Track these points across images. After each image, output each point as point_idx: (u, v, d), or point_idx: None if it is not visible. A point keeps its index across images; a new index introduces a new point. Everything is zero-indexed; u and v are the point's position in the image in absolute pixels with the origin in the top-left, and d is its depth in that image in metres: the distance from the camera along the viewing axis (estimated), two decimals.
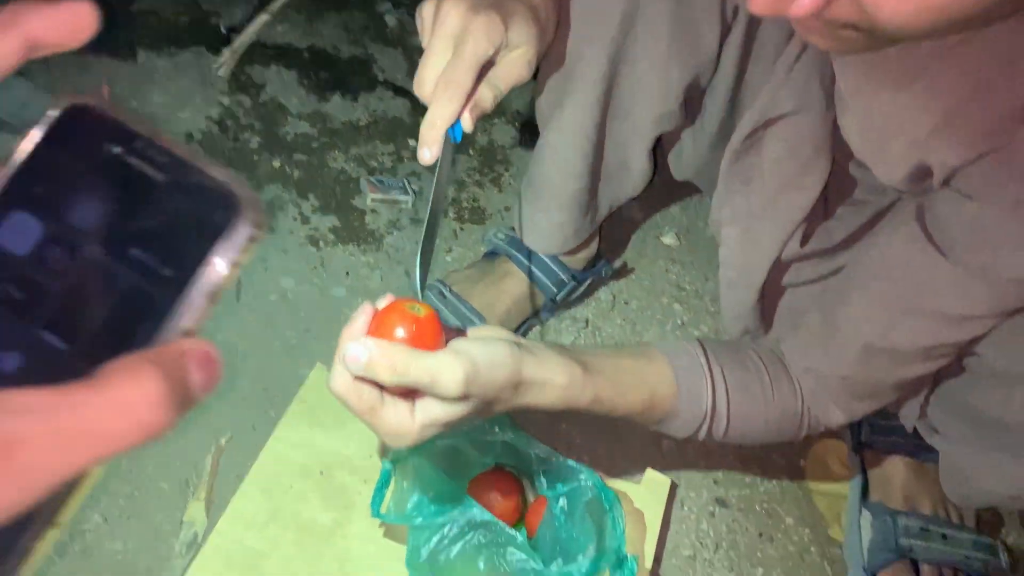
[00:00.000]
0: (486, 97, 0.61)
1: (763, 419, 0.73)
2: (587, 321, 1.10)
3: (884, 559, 0.87)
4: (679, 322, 1.14)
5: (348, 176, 1.20)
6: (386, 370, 0.52)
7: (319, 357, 0.98)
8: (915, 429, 0.82)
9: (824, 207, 0.78)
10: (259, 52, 1.32)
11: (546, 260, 1.00)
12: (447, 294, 0.99)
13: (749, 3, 0.44)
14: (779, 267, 0.79)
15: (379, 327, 0.55)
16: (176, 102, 1.22)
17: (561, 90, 0.80)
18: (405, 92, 1.32)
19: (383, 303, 0.58)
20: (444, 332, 0.57)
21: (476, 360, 0.55)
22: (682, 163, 0.93)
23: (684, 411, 0.70)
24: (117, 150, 0.25)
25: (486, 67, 0.61)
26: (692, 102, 0.82)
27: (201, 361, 0.23)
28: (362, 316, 0.56)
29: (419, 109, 1.31)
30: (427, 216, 0.62)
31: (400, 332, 0.54)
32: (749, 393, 0.72)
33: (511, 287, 1.00)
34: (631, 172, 0.91)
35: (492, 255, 1.05)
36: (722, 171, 0.78)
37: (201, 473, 0.85)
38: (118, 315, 0.24)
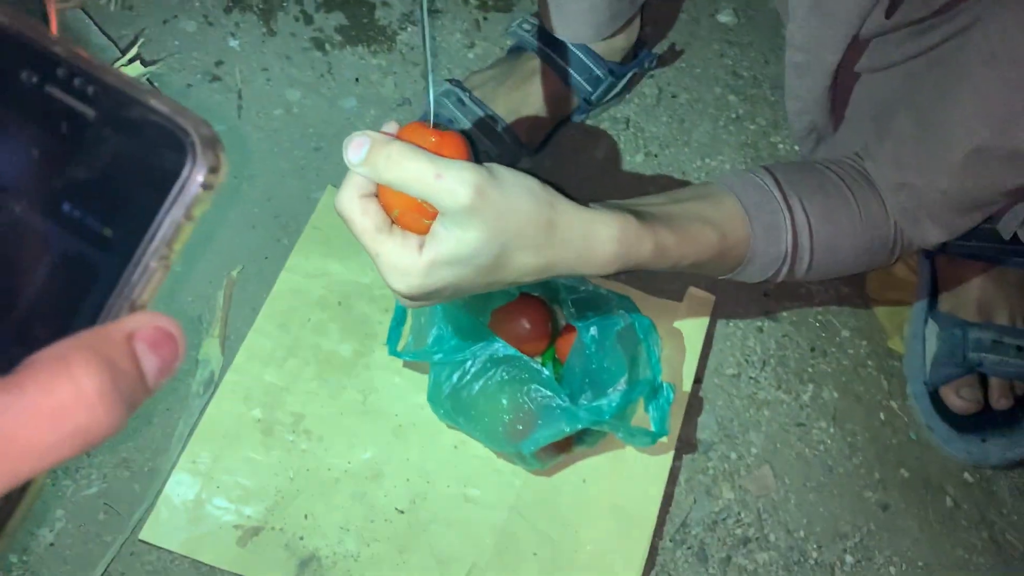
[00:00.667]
0: None
1: (851, 250, 0.63)
2: (628, 121, 0.99)
3: (949, 373, 0.80)
4: (734, 115, 1.01)
5: None
6: (384, 159, 0.46)
7: (331, 179, 0.90)
8: (1014, 236, 0.71)
9: None
10: None
11: (579, 53, 0.87)
12: (466, 100, 0.88)
13: None
14: (857, 46, 0.65)
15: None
16: None
17: None
18: None
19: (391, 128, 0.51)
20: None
21: (495, 171, 0.47)
22: None
23: (762, 253, 0.61)
24: (35, 80, 0.20)
25: None
26: None
27: (154, 341, 0.20)
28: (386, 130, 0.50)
29: None
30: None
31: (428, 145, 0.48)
32: (834, 223, 0.62)
33: (539, 87, 0.89)
34: None
35: (518, 50, 0.92)
36: None
37: (214, 309, 0.82)
38: (51, 288, 0.20)
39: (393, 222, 0.49)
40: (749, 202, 0.60)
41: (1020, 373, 0.78)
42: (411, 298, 0.50)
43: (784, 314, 0.87)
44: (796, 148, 0.99)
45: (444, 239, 0.47)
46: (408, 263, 0.48)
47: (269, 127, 0.93)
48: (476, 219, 0.46)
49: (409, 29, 1.02)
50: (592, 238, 0.50)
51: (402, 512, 0.73)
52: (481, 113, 0.87)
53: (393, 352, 0.72)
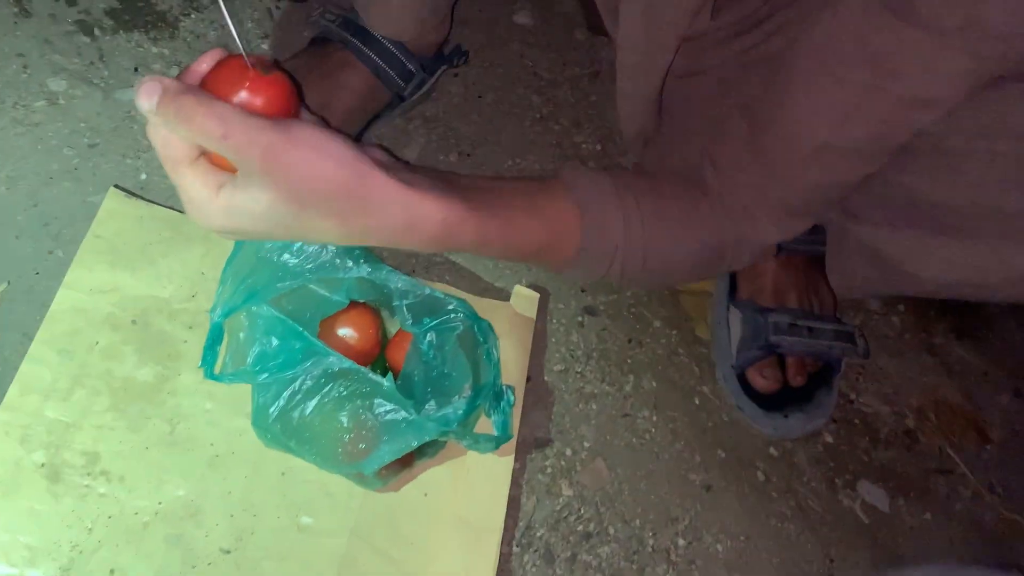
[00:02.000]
0: None
1: (684, 250, 0.64)
2: (437, 119, 0.96)
3: (752, 356, 0.86)
4: (538, 115, 1.02)
5: None
6: (174, 111, 0.44)
7: (111, 179, 0.79)
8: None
9: None
10: None
11: (389, 46, 0.83)
12: None
13: None
14: (686, 48, 0.67)
15: (213, 83, 0.47)
16: None
17: None
18: None
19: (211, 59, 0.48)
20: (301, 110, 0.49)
21: (296, 133, 0.45)
22: None
23: (592, 248, 0.60)
24: None
25: None
26: None
27: None
28: (202, 63, 0.48)
29: None
30: None
31: (239, 94, 0.46)
32: (666, 221, 0.63)
33: (350, 80, 0.84)
34: None
35: (322, 41, 0.86)
36: None
37: None
38: None
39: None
40: (582, 196, 0.60)
41: (811, 352, 0.86)
42: (216, 232, 0.49)
43: (601, 307, 0.90)
44: (598, 147, 1.02)
45: (238, 192, 0.46)
46: (205, 202, 0.47)
47: (29, 121, 0.80)
48: (267, 180, 0.45)
49: (193, 16, 0.92)
50: (412, 217, 0.48)
51: (228, 552, 0.65)
52: None
53: (210, 376, 0.64)
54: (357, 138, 0.87)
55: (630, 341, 0.89)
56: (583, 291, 0.90)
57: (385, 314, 0.74)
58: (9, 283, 0.72)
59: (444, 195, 0.50)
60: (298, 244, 0.65)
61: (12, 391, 0.66)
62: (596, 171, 0.63)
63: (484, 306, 0.80)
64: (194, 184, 0.47)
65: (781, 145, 0.62)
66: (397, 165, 0.51)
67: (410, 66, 0.85)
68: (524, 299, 0.82)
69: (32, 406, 0.66)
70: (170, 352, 0.71)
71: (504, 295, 0.84)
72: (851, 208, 0.71)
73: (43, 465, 0.65)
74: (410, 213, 0.48)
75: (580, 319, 0.88)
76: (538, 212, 0.58)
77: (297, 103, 0.48)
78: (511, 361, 0.77)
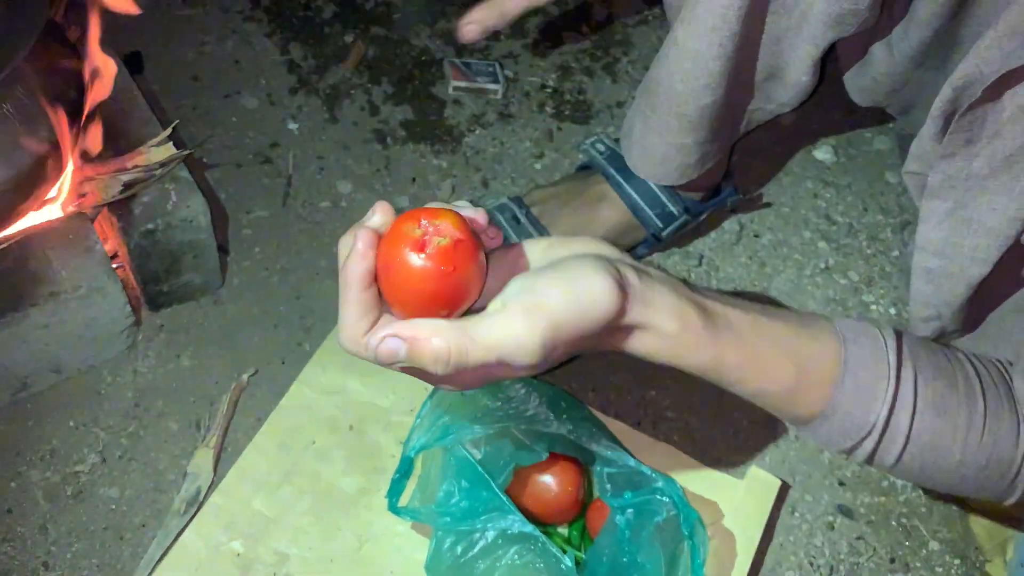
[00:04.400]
0: None
1: (958, 460, 0.52)
2: (701, 257, 0.89)
3: None
4: (823, 265, 0.90)
5: (431, 57, 1.00)
6: (436, 362, 0.41)
7: None
8: None
9: None
10: None
11: (652, 186, 0.78)
12: (522, 218, 0.79)
13: None
14: (1014, 254, 0.55)
15: (387, 262, 0.41)
16: None
17: None
18: None
19: (378, 219, 0.43)
20: (480, 248, 0.42)
21: (557, 317, 0.41)
22: (867, 83, 0.69)
23: (843, 413, 0.51)
24: None
25: None
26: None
27: None
28: (363, 246, 0.42)
29: None
30: None
31: (415, 270, 0.40)
32: (947, 418, 0.51)
33: (605, 215, 0.80)
34: (787, 85, 0.69)
35: (587, 169, 0.84)
36: (928, 124, 0.54)
37: (215, 414, 0.73)
38: None
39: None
40: (853, 351, 0.50)
41: None
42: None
43: (862, 510, 0.74)
44: (892, 312, 0.88)
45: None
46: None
47: (313, 219, 0.87)
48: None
49: (477, 131, 0.95)
50: (648, 331, 0.45)
51: None
52: (535, 233, 0.79)
53: (393, 509, 0.61)
54: None
55: (893, 561, 0.72)
56: (841, 484, 0.75)
57: (591, 473, 0.67)
58: (257, 371, 0.77)
59: (681, 307, 0.46)
60: (503, 386, 0.61)
61: (231, 476, 0.70)
62: (881, 327, 0.53)
63: (708, 483, 0.70)
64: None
65: None
66: (637, 267, 0.46)
67: (672, 208, 0.79)
68: (761, 484, 0.70)
69: (244, 494, 0.69)
70: (376, 465, 0.71)
71: (738, 472, 0.73)
72: None
73: (239, 555, 0.67)
74: (646, 326, 0.45)
75: (831, 519, 0.74)
76: (792, 351, 0.50)
77: (474, 246, 0.42)
78: (726, 555, 0.66)
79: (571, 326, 0.42)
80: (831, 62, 0.74)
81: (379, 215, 0.43)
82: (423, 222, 0.41)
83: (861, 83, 0.70)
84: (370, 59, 0.99)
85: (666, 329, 0.45)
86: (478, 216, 0.45)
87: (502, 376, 0.44)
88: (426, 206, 0.43)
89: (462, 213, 0.43)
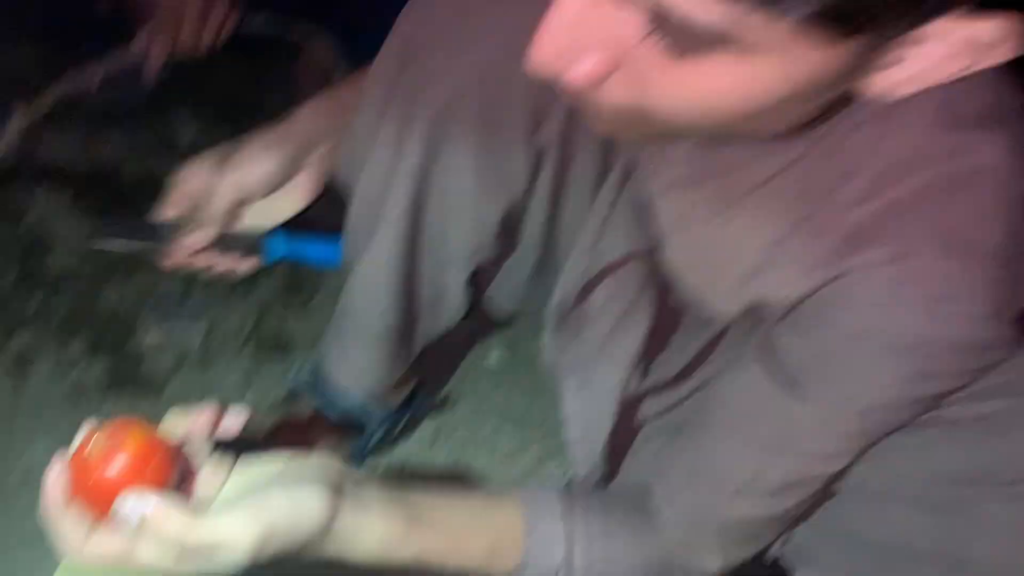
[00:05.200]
0: None
1: (634, 568, 0.65)
2: (406, 461, 0.99)
3: None
4: (508, 449, 1.05)
5: (127, 310, 1.05)
6: (154, 546, 0.47)
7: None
8: (774, 562, 0.76)
9: (657, 341, 0.73)
10: (24, 172, 1.16)
11: (355, 401, 0.89)
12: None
13: (535, 60, 0.43)
14: (626, 407, 0.73)
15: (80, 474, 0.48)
16: None
17: (370, 221, 0.74)
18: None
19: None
20: (177, 457, 0.49)
21: (274, 520, 0.48)
22: (503, 296, 0.87)
23: (534, 562, 0.61)
24: None
25: None
26: (508, 233, 0.77)
27: None
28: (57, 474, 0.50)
29: None
30: None
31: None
32: (614, 542, 0.64)
33: (318, 434, 0.89)
34: (447, 305, 0.84)
35: (294, 396, 0.93)
36: (549, 325, 0.72)
37: None
38: None
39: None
40: (530, 508, 0.62)
41: None
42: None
43: None
44: (571, 474, 1.03)
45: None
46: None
47: (7, 488, 0.84)
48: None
49: (181, 375, 1.00)
50: (358, 536, 0.52)
51: None
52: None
53: None
54: None
55: None
56: None
57: None
58: None
59: (389, 515, 0.54)
60: None
61: None
62: (550, 489, 0.66)
63: None
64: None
65: (711, 482, 0.64)
66: (353, 481, 0.54)
67: (375, 418, 0.90)
68: None
69: None
70: None
71: None
72: (804, 552, 0.71)
73: None
74: (356, 531, 0.52)
75: None
76: (484, 524, 0.61)
77: (166, 453, 0.49)
78: None
79: (284, 529, 0.49)
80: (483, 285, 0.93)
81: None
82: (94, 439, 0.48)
83: (497, 296, 0.89)
84: (59, 319, 1.01)
85: (374, 531, 0.53)
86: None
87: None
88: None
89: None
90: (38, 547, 0.80)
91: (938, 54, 0.41)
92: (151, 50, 1.05)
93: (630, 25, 0.41)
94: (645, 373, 0.71)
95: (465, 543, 0.59)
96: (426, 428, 1.03)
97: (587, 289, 0.70)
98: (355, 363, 0.87)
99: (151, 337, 1.02)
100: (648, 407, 0.74)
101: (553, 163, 0.69)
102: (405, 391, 0.94)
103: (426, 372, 0.97)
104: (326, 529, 0.51)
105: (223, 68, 1.41)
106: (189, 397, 0.98)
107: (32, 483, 0.84)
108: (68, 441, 0.88)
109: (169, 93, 1.32)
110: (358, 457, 0.92)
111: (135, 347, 1.01)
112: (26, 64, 1.31)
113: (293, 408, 0.91)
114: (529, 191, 0.71)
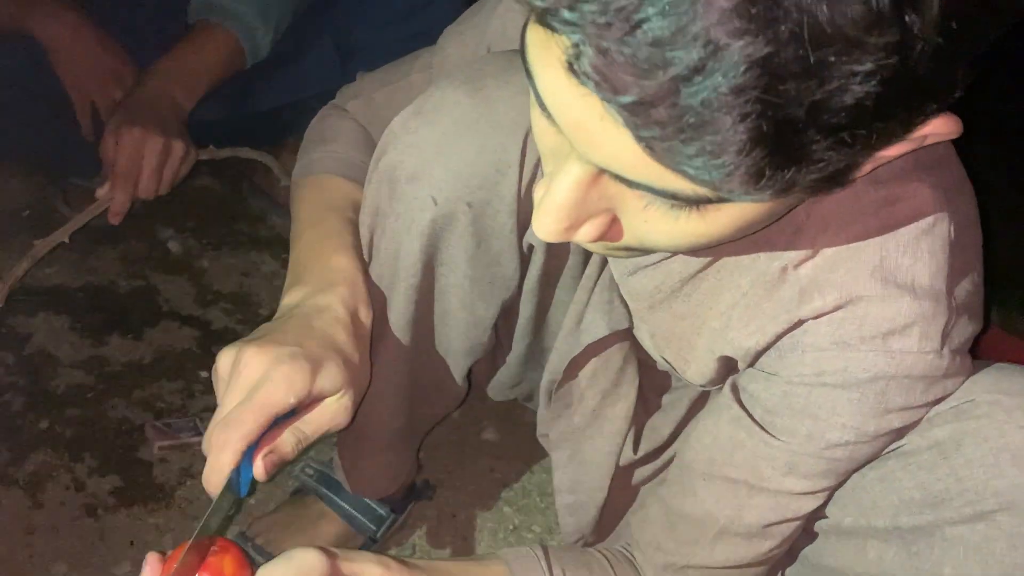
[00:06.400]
0: (287, 441, 0.59)
1: None
2: (414, 547, 1.02)
3: None
4: (511, 526, 1.08)
5: (131, 424, 1.09)
6: None
7: None
8: None
9: (645, 406, 0.79)
10: (23, 299, 1.21)
11: (362, 497, 0.93)
12: (250, 550, 0.89)
13: (539, 232, 0.48)
14: (620, 476, 0.78)
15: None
16: None
17: (376, 336, 0.77)
18: (193, 320, 1.25)
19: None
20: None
21: None
22: (497, 385, 0.93)
23: None
24: None
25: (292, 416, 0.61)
26: (500, 328, 0.82)
27: None
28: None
29: (210, 337, 1.24)
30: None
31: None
32: None
33: (325, 530, 0.92)
34: (447, 394, 0.89)
35: (300, 493, 0.96)
36: (541, 401, 0.78)
37: None
38: None
39: None
40: (515, 567, 0.68)
41: None
42: None
43: None
44: None
45: None
46: None
47: None
48: None
49: (188, 483, 1.03)
50: None
51: None
52: (264, 562, 0.88)
53: None
54: None
55: None
56: None
57: None
58: None
59: (383, 563, 0.62)
60: None
61: None
62: (536, 547, 0.71)
63: None
64: None
65: (690, 527, 0.68)
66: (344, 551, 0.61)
67: (380, 511, 0.94)
68: None
69: None
70: None
71: None
72: None
73: None
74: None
75: None
76: None
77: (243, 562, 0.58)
78: None
79: None
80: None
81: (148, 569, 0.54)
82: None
83: (493, 385, 0.94)
84: (69, 439, 1.05)
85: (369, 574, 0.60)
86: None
87: None
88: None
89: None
90: None
91: (889, 155, 0.44)
92: (115, 198, 1.10)
93: (631, 196, 0.45)
94: (637, 442, 0.76)
95: None
96: (430, 510, 1.06)
97: (573, 367, 0.75)
98: (366, 471, 0.91)
99: (158, 447, 1.05)
100: (642, 473, 0.79)
101: (538, 263, 0.74)
102: (409, 479, 0.98)
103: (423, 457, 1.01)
104: None
105: (202, 176, 1.49)
106: (199, 499, 1.02)
107: None
108: (87, 560, 0.93)
109: (153, 211, 1.39)
110: (367, 548, 0.95)
111: (145, 458, 1.05)
112: (19, 194, 1.38)
113: (301, 502, 0.94)
114: (519, 287, 0.76)
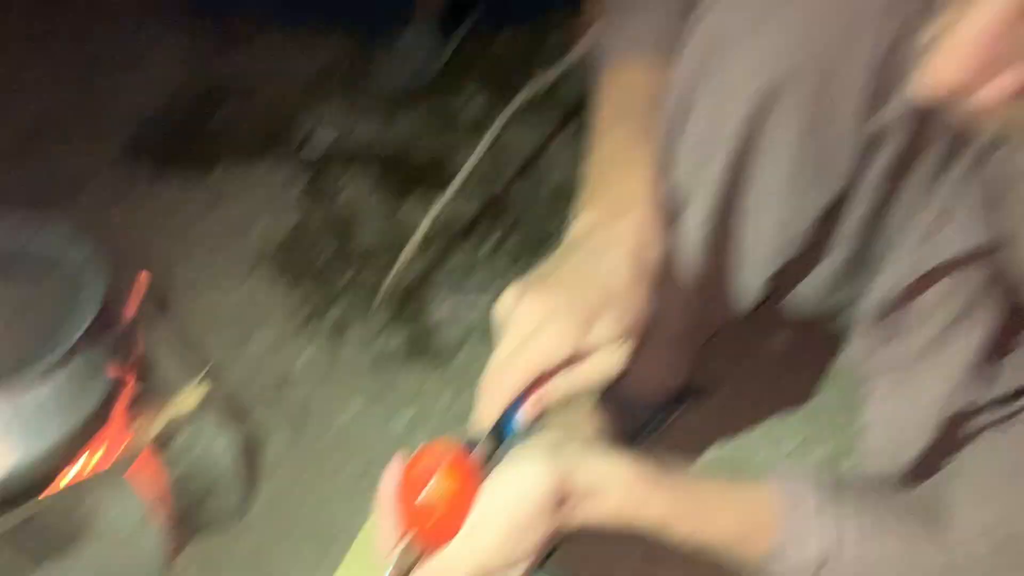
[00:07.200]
0: (554, 390, 0.53)
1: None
2: (681, 448, 0.97)
3: None
4: (798, 439, 0.99)
5: (424, 283, 1.13)
6: None
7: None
8: None
9: (997, 347, 0.64)
10: (335, 157, 1.29)
11: (626, 394, 0.89)
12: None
13: (932, 80, 0.37)
14: (952, 421, 0.65)
15: (409, 491, 0.49)
16: (250, 216, 1.20)
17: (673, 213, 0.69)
18: (487, 182, 1.25)
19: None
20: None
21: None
22: (799, 297, 0.81)
23: (788, 552, 0.56)
24: None
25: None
26: (819, 228, 0.71)
27: None
28: (390, 482, 0.50)
29: (496, 204, 1.24)
30: None
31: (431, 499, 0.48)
32: (888, 544, 0.57)
33: (584, 425, 0.90)
34: (740, 300, 0.80)
35: None
36: (860, 325, 0.66)
37: None
38: None
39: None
40: (792, 490, 0.56)
41: None
42: None
43: None
44: None
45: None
46: None
47: (326, 443, 0.95)
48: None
49: (467, 348, 1.06)
50: (596, 497, 0.50)
51: None
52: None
53: None
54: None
55: None
56: None
57: None
58: None
59: (627, 471, 0.51)
60: None
61: None
62: (813, 473, 0.59)
63: None
64: None
65: None
66: (580, 444, 0.52)
67: (644, 412, 0.89)
68: None
69: None
70: None
71: None
72: None
73: None
74: (593, 492, 0.50)
75: None
76: (734, 500, 0.56)
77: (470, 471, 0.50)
78: None
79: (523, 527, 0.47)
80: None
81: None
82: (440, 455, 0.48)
83: (794, 297, 0.82)
84: (368, 290, 1.12)
85: (611, 491, 0.50)
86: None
87: None
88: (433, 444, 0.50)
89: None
90: (344, 505, 0.90)
91: None
92: None
93: None
94: (978, 384, 0.63)
95: (714, 516, 0.54)
96: (703, 415, 1.00)
97: (914, 289, 0.62)
98: (643, 367, 0.86)
99: (441, 310, 1.09)
100: (983, 420, 0.65)
101: (888, 152, 0.61)
102: (680, 383, 0.92)
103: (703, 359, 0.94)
104: (559, 494, 0.48)
105: (498, 43, 1.47)
106: (477, 362, 1.04)
107: (342, 446, 0.96)
108: (375, 406, 0.99)
109: (449, 75, 1.40)
110: (631, 442, 0.92)
111: (428, 320, 1.09)
112: (338, 54, 1.46)
113: None
114: (853, 183, 0.64)
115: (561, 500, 0.49)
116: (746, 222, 0.70)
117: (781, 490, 0.57)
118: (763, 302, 0.81)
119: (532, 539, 0.49)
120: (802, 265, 0.77)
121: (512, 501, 0.48)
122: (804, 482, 0.58)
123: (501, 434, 0.53)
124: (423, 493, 0.47)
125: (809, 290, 0.78)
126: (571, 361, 0.54)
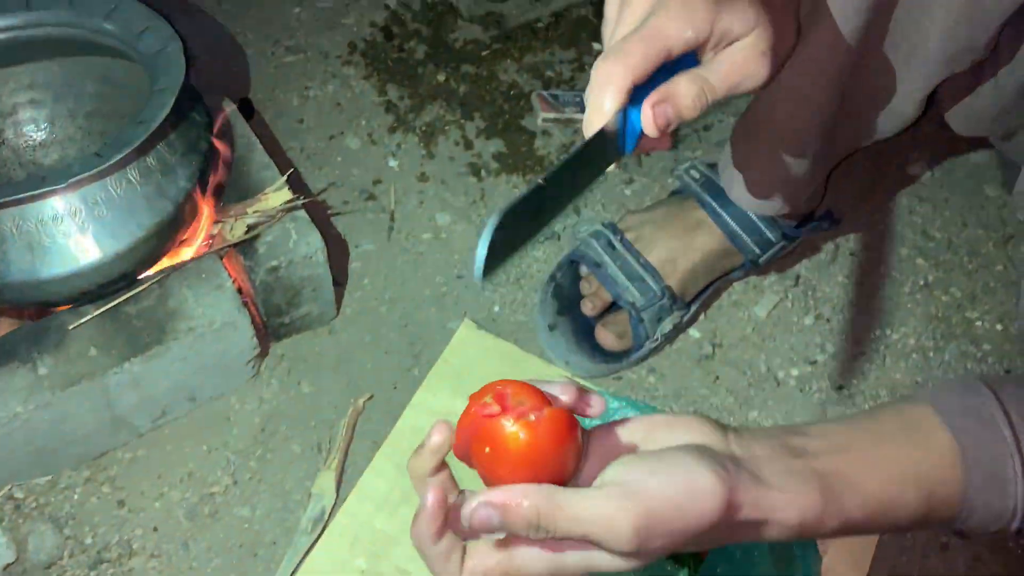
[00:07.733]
0: (685, 91, 0.45)
1: None
2: (797, 278, 0.89)
3: None
4: (922, 282, 0.90)
5: (520, 91, 1.04)
6: (527, 526, 0.39)
7: (469, 309, 0.86)
8: None
9: None
10: None
11: (749, 213, 0.80)
12: (617, 244, 0.82)
13: None
14: None
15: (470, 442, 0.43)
16: (340, 7, 1.11)
17: (809, 11, 0.59)
18: None
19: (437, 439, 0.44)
20: (571, 425, 0.41)
21: (652, 505, 0.39)
22: (970, 115, 0.69)
23: (981, 508, 0.46)
24: None
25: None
26: (1002, 35, 0.59)
27: None
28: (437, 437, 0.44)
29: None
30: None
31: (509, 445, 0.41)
32: None
33: (702, 242, 0.82)
34: (893, 116, 0.68)
35: (680, 195, 0.86)
36: None
37: (335, 438, 0.78)
38: None
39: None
40: (968, 443, 0.46)
41: None
42: None
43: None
44: (999, 328, 0.86)
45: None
46: None
47: (415, 250, 0.91)
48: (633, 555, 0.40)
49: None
50: (768, 525, 0.42)
51: None
52: (631, 259, 0.81)
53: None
54: (701, 292, 0.84)
55: None
56: None
57: None
58: (372, 396, 0.81)
59: (801, 492, 0.43)
60: None
61: (353, 497, 0.74)
62: (984, 391, 0.47)
63: None
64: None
65: None
66: (742, 448, 0.44)
67: (770, 235, 0.80)
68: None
69: (365, 514, 0.73)
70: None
71: None
72: None
73: (363, 572, 0.71)
74: (765, 520, 0.42)
75: (945, 538, 0.73)
76: (911, 476, 0.46)
77: (567, 426, 0.41)
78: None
79: (669, 518, 0.39)
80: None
81: (436, 435, 0.44)
82: (507, 394, 0.41)
83: (963, 115, 0.70)
84: (462, 96, 1.04)
85: (788, 520, 0.42)
86: (566, 392, 0.43)
87: (603, 567, 0.41)
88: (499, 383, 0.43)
89: (546, 389, 0.42)
90: (433, 315, 0.87)
91: None
92: None
93: None
94: None
95: (892, 505, 0.46)
96: (824, 241, 0.91)
97: None
98: (760, 178, 0.76)
99: (543, 119, 1.00)
100: None
101: None
102: (809, 207, 0.83)
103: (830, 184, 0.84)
104: (723, 518, 0.40)
105: None
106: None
107: (432, 255, 0.92)
108: (467, 215, 0.94)
109: None
110: (745, 269, 0.84)
111: (529, 127, 1.01)
112: None
113: (679, 206, 0.84)
114: None
115: (727, 522, 0.40)
116: (912, 17, 0.58)
117: (963, 436, 0.46)
118: (915, 122, 0.70)
119: (671, 545, 0.40)
120: (973, 75, 0.65)
121: (678, 523, 0.39)
122: (980, 417, 0.46)
123: (620, 139, 0.45)
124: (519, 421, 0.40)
125: (981, 106, 0.66)
126: (700, 50, 0.46)
